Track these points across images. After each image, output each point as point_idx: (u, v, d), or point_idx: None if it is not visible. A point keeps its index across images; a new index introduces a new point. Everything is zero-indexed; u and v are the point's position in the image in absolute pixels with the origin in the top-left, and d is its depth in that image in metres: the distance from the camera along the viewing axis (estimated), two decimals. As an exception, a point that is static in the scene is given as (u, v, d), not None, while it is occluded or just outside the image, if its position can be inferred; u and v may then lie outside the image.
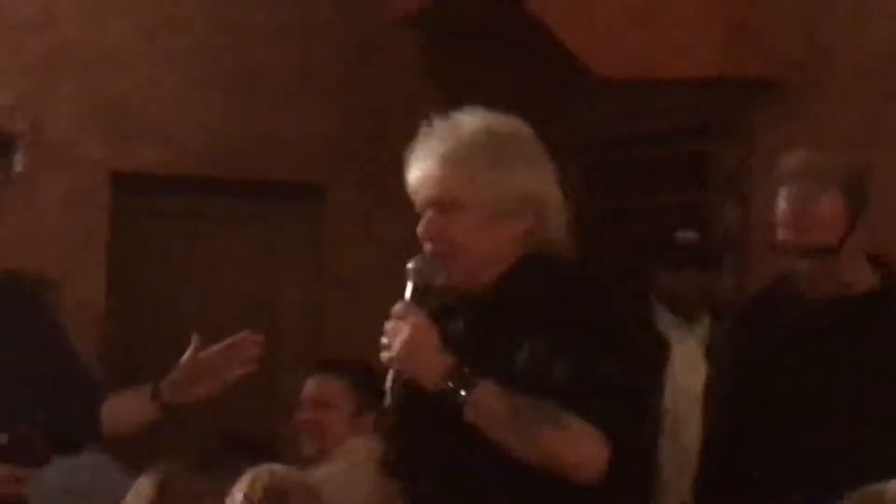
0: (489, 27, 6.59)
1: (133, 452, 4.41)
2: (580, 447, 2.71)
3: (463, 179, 2.84)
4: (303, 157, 7.09)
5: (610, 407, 2.71)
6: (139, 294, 6.96)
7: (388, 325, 2.82)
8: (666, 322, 4.82)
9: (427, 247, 2.89)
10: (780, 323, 3.67)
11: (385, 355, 2.81)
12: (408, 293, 2.85)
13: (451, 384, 2.75)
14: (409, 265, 2.86)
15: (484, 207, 2.84)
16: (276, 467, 3.69)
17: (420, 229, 2.89)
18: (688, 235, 4.90)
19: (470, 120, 2.90)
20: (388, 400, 2.84)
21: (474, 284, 2.87)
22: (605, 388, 2.72)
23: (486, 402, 2.74)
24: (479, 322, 2.88)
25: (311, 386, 4.58)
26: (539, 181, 2.88)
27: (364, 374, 4.36)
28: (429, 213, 2.88)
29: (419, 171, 2.89)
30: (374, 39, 7.13)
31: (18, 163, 3.48)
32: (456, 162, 2.85)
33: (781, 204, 3.58)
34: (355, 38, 7.14)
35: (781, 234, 3.58)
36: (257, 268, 7.19)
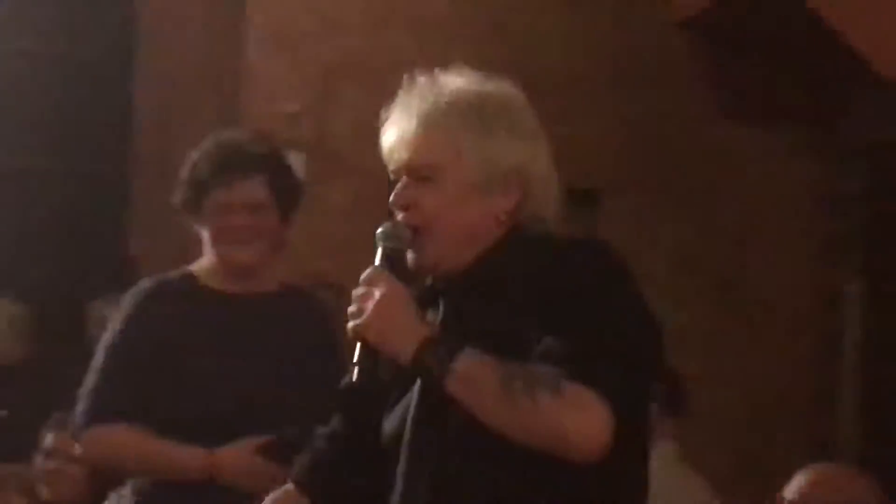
0: (769, 29, 6.48)
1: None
2: (583, 416, 2.34)
3: (443, 144, 2.51)
4: (575, 163, 7.04)
5: (612, 373, 2.37)
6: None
7: (357, 292, 2.47)
8: None
9: (399, 217, 2.55)
10: None
11: (352, 325, 2.46)
12: (377, 259, 2.52)
13: (429, 354, 2.40)
14: (379, 230, 2.54)
15: (465, 178, 2.51)
16: None
17: (391, 199, 2.56)
18: None
19: (456, 79, 2.59)
20: (354, 376, 2.48)
21: (448, 264, 2.53)
22: (606, 355, 2.37)
23: (471, 371, 2.38)
24: (459, 306, 2.53)
25: None
26: (529, 153, 2.57)
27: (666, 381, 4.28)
28: (403, 181, 2.55)
29: (395, 132, 2.56)
30: (646, 42, 7.06)
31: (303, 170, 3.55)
32: (436, 124, 2.52)
33: None
34: (628, 41, 7.08)
35: None
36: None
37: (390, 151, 2.56)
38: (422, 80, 2.59)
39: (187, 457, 3.44)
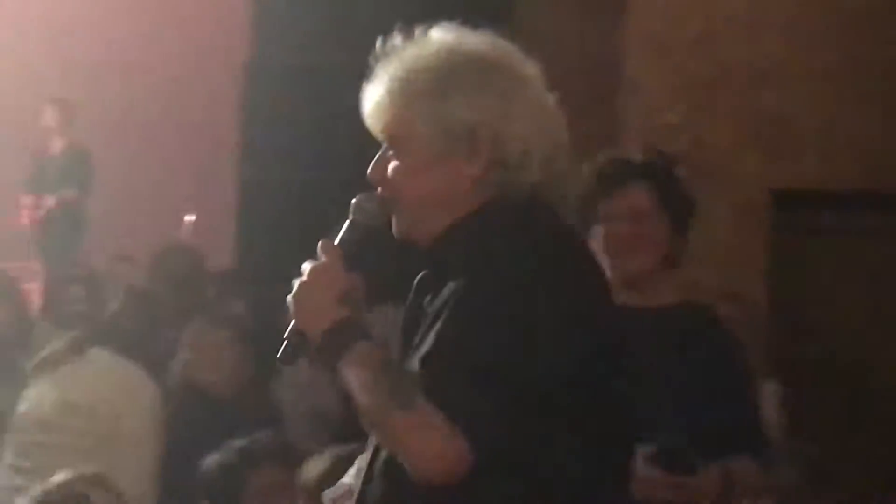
0: None
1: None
2: (429, 443, 2.21)
3: (401, 113, 2.39)
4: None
5: (469, 394, 2.19)
6: (802, 311, 6.91)
7: (303, 265, 2.42)
8: None
9: (378, 191, 2.46)
10: None
11: (288, 298, 2.41)
12: (342, 231, 2.45)
13: (328, 342, 2.32)
14: (353, 200, 2.46)
15: (422, 145, 2.37)
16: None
17: (368, 172, 2.46)
18: None
19: (436, 37, 2.42)
20: (280, 351, 2.42)
21: (419, 232, 2.42)
22: (473, 370, 2.20)
23: (354, 368, 2.29)
24: (426, 278, 2.43)
25: None
26: (497, 112, 2.35)
27: None
28: (380, 152, 2.45)
29: (368, 98, 2.44)
30: None
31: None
32: (398, 91, 2.39)
33: None
34: None
35: None
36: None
37: (367, 119, 2.46)
38: (397, 41, 2.44)
39: None
